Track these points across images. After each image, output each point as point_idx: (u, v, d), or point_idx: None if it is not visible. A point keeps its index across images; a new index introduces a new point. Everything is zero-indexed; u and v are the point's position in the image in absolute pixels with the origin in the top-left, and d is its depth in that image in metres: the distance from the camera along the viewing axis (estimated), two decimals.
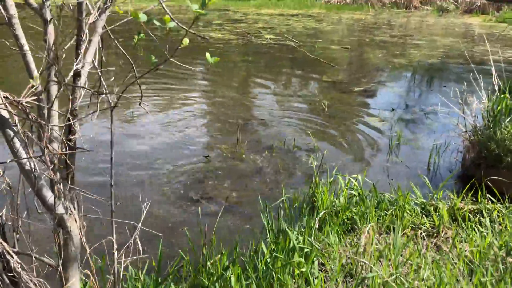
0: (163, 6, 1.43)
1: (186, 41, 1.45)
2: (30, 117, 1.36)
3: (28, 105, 1.37)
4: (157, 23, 1.41)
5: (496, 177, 3.82)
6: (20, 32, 1.51)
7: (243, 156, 4.48)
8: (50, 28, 1.51)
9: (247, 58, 9.86)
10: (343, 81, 8.02)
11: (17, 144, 1.38)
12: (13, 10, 1.49)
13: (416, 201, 3.25)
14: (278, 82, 7.98)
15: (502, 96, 3.96)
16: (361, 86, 7.63)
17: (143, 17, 1.37)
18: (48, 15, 1.59)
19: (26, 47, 1.54)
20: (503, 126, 3.90)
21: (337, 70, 8.90)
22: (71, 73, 1.47)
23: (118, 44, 1.68)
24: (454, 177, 4.24)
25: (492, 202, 3.25)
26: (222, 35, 13.48)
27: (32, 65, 1.56)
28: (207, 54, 1.55)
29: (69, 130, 1.51)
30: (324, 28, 15.75)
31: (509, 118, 3.87)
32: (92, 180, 3.77)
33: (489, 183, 3.90)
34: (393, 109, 6.29)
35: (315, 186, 3.47)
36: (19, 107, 1.35)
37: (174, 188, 3.83)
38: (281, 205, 3.34)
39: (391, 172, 4.28)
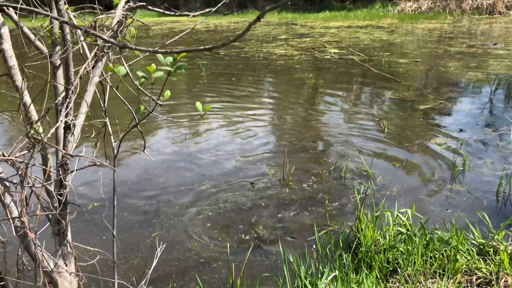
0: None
1: (167, 94, 1.36)
2: (20, 172, 1.34)
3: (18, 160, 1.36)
4: (140, 74, 1.34)
5: None
6: (19, 83, 1.52)
7: (290, 183, 4.32)
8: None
9: (307, 75, 9.69)
10: (408, 98, 7.56)
11: (8, 199, 1.37)
12: (13, 62, 1.50)
13: (473, 241, 2.88)
14: (337, 99, 7.71)
15: None
16: (428, 103, 7.13)
17: (121, 71, 1.30)
18: (58, 61, 1.59)
19: (26, 98, 1.55)
20: None
21: (404, 86, 8.43)
22: (52, 130, 1.44)
23: (118, 94, 1.64)
24: None
25: None
26: (285, 51, 13.45)
27: (34, 114, 1.56)
28: (197, 103, 1.46)
29: (60, 184, 1.48)
30: (394, 40, 15.13)
31: None
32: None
33: None
34: (461, 130, 5.77)
35: (359, 221, 3.21)
36: (9, 163, 1.34)
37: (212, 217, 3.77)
38: (314, 245, 3.14)
39: (452, 203, 3.87)
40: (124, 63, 1.32)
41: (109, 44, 1.56)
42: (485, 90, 7.86)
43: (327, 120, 6.43)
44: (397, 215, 3.10)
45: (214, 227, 3.60)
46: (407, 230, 3.02)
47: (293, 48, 14.26)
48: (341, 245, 2.86)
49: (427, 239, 2.85)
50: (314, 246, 3.26)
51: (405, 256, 2.76)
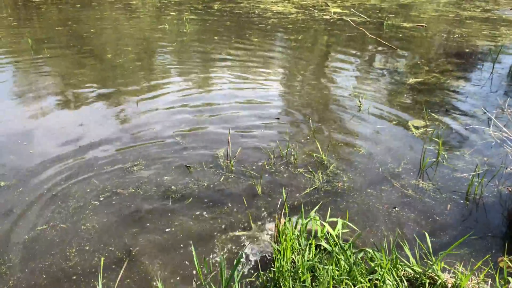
0: None
1: None
2: None
3: None
4: None
5: None
6: None
7: (232, 169, 3.74)
8: None
9: (296, 37, 8.88)
10: (399, 69, 6.79)
11: None
12: None
13: (408, 268, 2.30)
14: (317, 68, 6.96)
15: None
16: (419, 76, 6.37)
17: None
18: None
19: None
20: None
21: (398, 55, 7.62)
22: None
23: None
24: (496, 221, 3.14)
25: None
26: (283, 8, 12.51)
27: None
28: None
29: None
30: (404, 0, 13.99)
31: None
32: None
33: None
34: (447, 110, 5.07)
35: (277, 232, 2.64)
36: None
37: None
38: (219, 259, 2.60)
39: (410, 206, 3.27)
40: None
41: None
42: (487, 64, 7.04)
43: (297, 93, 5.74)
44: (325, 226, 2.52)
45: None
46: (335, 245, 2.45)
47: (293, 5, 13.28)
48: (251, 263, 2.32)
49: (351, 261, 2.28)
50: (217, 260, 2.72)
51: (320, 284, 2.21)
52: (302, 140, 4.24)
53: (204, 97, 5.46)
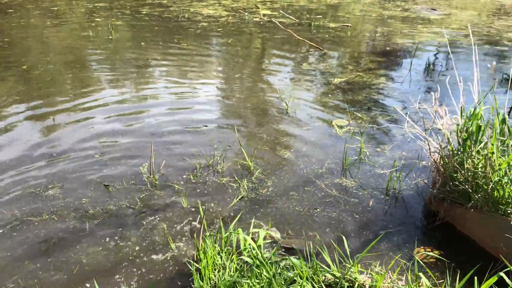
0: None
1: None
2: None
3: None
4: None
5: (461, 218, 2.88)
6: None
7: (156, 183, 3.61)
8: None
9: (226, 41, 8.85)
10: (326, 69, 6.95)
11: None
12: None
13: (327, 274, 2.32)
14: (244, 71, 6.97)
15: (475, 110, 2.91)
16: (343, 76, 6.56)
17: None
18: None
19: None
20: (473, 153, 2.87)
21: (325, 55, 7.81)
22: None
23: None
24: (415, 213, 3.28)
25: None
26: (214, 11, 12.44)
27: None
28: None
29: None
30: (331, 1, 14.40)
31: (482, 144, 2.84)
32: None
33: (454, 224, 2.96)
34: (369, 108, 5.25)
35: (196, 250, 2.57)
36: None
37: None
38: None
39: (337, 205, 3.33)
40: None
41: None
42: (406, 61, 7.40)
43: (225, 98, 5.70)
44: (245, 238, 2.49)
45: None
46: (256, 258, 2.42)
47: (224, 8, 13.24)
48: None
49: (271, 274, 2.27)
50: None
51: None
52: (229, 147, 4.20)
53: (127, 107, 5.27)
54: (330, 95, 5.73)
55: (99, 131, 4.55)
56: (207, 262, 2.40)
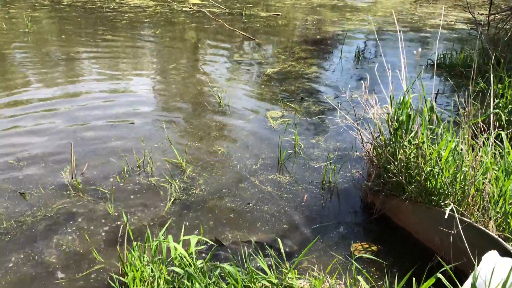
0: None
1: None
2: None
3: None
4: None
5: (397, 210, 2.87)
6: None
7: (79, 187, 3.28)
8: None
9: (154, 32, 8.44)
10: (256, 60, 6.82)
11: None
12: None
13: (265, 281, 2.18)
14: (176, 63, 6.67)
15: (404, 98, 2.89)
16: (275, 66, 6.46)
17: None
18: None
19: None
20: (405, 143, 2.86)
21: (257, 45, 7.68)
22: None
23: None
24: (352, 206, 3.24)
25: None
26: (141, 1, 11.87)
27: None
28: None
29: None
30: None
31: (413, 133, 2.83)
32: None
33: (390, 216, 2.95)
34: (302, 98, 5.19)
35: (121, 263, 2.33)
36: None
37: None
38: None
39: (272, 202, 3.21)
40: None
41: None
42: (336, 49, 7.46)
43: (153, 92, 5.40)
44: (176, 247, 2.28)
45: None
46: (189, 267, 2.23)
47: None
48: None
49: (204, 284, 2.09)
50: None
51: None
52: (159, 145, 3.94)
53: (46, 103, 4.80)
54: (263, 86, 5.62)
55: (15, 131, 4.09)
56: (134, 276, 2.17)
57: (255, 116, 4.65)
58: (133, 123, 4.38)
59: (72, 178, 3.37)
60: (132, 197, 3.19)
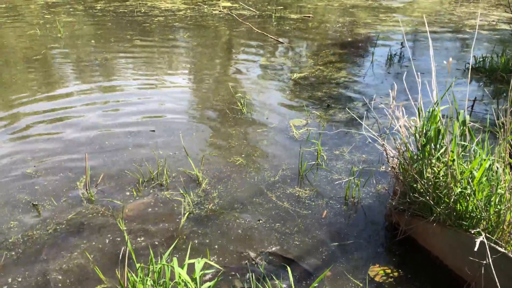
0: None
1: None
2: None
3: None
4: None
5: (423, 232, 2.63)
6: None
7: (93, 199, 3.22)
8: None
9: (183, 35, 8.41)
10: (284, 64, 6.64)
11: None
12: None
13: None
14: (199, 67, 6.58)
15: (433, 111, 2.64)
16: (302, 71, 6.26)
17: None
18: None
19: None
20: (433, 161, 2.61)
21: (286, 49, 7.50)
22: None
23: None
24: (374, 225, 3.01)
25: None
26: (172, 4, 11.93)
27: None
28: None
29: None
30: None
31: (442, 150, 2.58)
32: None
33: (416, 238, 2.71)
34: (328, 106, 4.97)
35: None
36: None
37: None
38: None
39: (288, 219, 3.03)
40: None
41: None
42: (368, 53, 7.17)
43: (177, 99, 5.32)
44: (179, 272, 2.15)
45: None
46: None
47: (182, 0, 12.73)
48: None
49: None
50: None
51: None
52: (177, 154, 3.84)
53: (58, 113, 4.81)
54: (288, 92, 5.43)
55: (31, 140, 4.10)
56: None
57: (278, 125, 4.48)
58: (153, 130, 4.30)
59: (87, 190, 3.30)
60: (144, 212, 3.08)
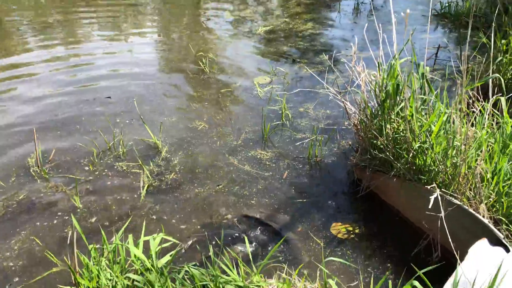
0: None
1: None
2: None
3: None
4: None
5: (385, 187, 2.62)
6: None
7: (46, 177, 3.07)
8: None
9: None
10: (251, 18, 6.37)
11: None
12: None
13: (230, 286, 1.96)
14: (155, 31, 6.26)
15: (392, 66, 2.54)
16: (267, 24, 6.03)
17: None
18: None
19: None
20: (392, 116, 2.54)
21: (254, 2, 7.19)
22: None
23: None
24: (338, 182, 2.98)
25: None
26: None
27: None
28: None
29: None
30: None
31: (402, 104, 2.50)
32: None
33: (378, 194, 2.70)
34: (293, 60, 4.82)
35: (72, 272, 2.13)
36: None
37: None
38: None
39: (250, 184, 2.96)
40: None
41: None
42: (334, 2, 6.93)
43: (130, 60, 5.06)
44: (134, 250, 2.07)
45: None
46: (148, 271, 2.03)
47: None
48: None
49: None
50: None
51: None
52: (133, 122, 3.68)
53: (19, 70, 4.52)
54: (253, 48, 5.24)
55: None
56: (92, 285, 1.98)
57: (242, 84, 4.33)
58: (109, 97, 4.11)
59: (38, 167, 3.14)
60: (101, 186, 2.96)
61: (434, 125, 2.33)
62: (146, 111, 3.73)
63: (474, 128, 2.20)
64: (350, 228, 2.57)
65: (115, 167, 3.13)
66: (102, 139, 3.38)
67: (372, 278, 2.07)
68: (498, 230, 1.96)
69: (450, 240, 1.90)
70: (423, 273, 1.59)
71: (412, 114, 2.36)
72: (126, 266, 2.07)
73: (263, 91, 4.14)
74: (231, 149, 3.30)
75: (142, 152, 3.28)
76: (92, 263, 2.06)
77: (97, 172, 3.08)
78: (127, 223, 2.34)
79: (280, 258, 2.32)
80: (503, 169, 2.06)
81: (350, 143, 3.30)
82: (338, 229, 2.58)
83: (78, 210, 2.72)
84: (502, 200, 2.07)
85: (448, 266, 1.99)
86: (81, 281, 1.98)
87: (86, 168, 3.13)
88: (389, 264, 2.24)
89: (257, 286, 1.95)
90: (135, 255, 2.10)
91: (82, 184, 2.95)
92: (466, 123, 2.15)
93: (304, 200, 2.77)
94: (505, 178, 2.11)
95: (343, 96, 2.91)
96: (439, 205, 2.04)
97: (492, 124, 2.43)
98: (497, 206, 2.10)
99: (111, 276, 2.06)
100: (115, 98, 4.06)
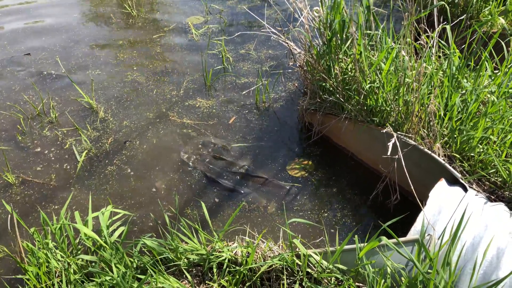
0: None
1: None
2: None
3: None
4: None
5: (337, 131, 2.57)
6: None
7: None
8: None
9: None
10: None
11: None
12: None
13: (192, 255, 1.87)
14: None
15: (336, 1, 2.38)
16: None
17: None
18: None
19: None
20: (340, 56, 2.44)
21: None
22: None
23: None
24: (287, 127, 2.90)
25: None
26: None
27: None
28: None
29: None
30: None
31: (349, 42, 2.39)
32: None
33: (331, 137, 2.66)
34: None
35: (18, 253, 1.94)
36: None
37: None
38: None
39: (194, 139, 2.80)
40: None
41: None
42: None
43: (52, 8, 4.51)
44: (82, 228, 1.91)
45: None
46: (99, 249, 1.89)
47: None
48: None
49: (121, 273, 1.77)
50: None
51: None
52: (64, 82, 3.32)
53: None
54: None
55: None
56: (41, 268, 1.82)
57: (175, 26, 4.00)
58: (29, 54, 3.66)
59: None
60: (33, 159, 2.68)
61: (384, 63, 2.25)
62: (73, 67, 3.37)
63: (425, 64, 2.14)
64: (306, 174, 2.53)
65: (48, 134, 2.84)
66: (29, 103, 3.03)
67: (337, 231, 2.05)
68: (453, 168, 1.99)
69: (410, 182, 1.90)
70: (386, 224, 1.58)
71: (361, 52, 2.26)
72: (76, 245, 1.92)
73: (198, 33, 3.86)
74: (172, 102, 3.09)
75: (76, 114, 2.99)
76: (38, 248, 1.89)
77: (29, 143, 2.78)
78: (69, 199, 2.15)
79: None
80: (456, 104, 2.05)
81: (297, 85, 3.19)
82: (291, 166, 2.54)
83: (14, 187, 2.46)
84: (455, 136, 2.08)
85: (408, 205, 2.02)
86: (28, 268, 1.81)
87: (15, 137, 2.81)
88: (349, 212, 2.24)
89: (220, 252, 1.89)
90: (85, 234, 1.94)
91: (13, 157, 2.65)
92: (416, 58, 2.08)
93: (256, 151, 2.67)
94: (457, 114, 2.11)
95: (286, 36, 2.74)
96: (397, 147, 2.02)
97: (439, 57, 2.40)
98: (450, 143, 2.11)
99: (62, 257, 1.91)
100: (36, 54, 3.62)
